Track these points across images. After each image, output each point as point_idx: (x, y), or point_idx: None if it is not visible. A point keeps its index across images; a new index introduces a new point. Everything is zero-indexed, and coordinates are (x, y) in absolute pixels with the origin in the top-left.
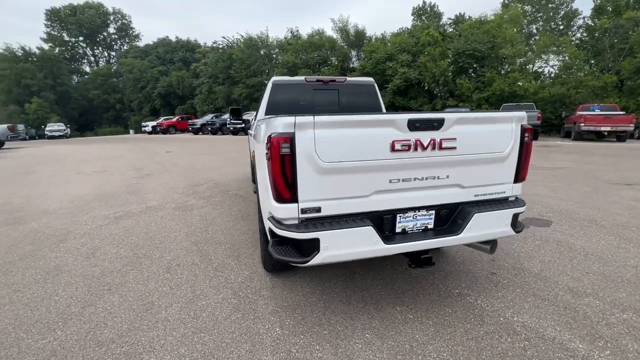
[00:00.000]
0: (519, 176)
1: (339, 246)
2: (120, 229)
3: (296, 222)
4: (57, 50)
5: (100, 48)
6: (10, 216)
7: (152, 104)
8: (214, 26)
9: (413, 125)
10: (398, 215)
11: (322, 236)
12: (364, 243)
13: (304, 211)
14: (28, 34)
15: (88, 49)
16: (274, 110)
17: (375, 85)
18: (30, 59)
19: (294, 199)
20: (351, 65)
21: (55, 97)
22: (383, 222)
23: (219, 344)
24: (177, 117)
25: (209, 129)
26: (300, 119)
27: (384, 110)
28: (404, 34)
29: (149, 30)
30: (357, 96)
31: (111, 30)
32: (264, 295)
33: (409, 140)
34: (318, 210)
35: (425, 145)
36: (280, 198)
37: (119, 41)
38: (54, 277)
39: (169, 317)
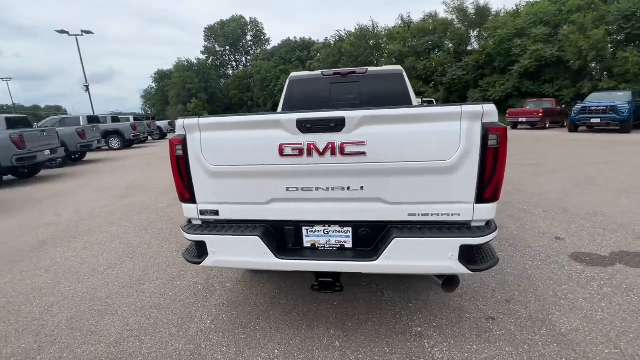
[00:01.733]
0: (484, 194)
1: (225, 252)
2: None
3: (199, 222)
4: (210, 59)
5: (239, 54)
6: (123, 192)
7: (274, 99)
8: (338, 22)
9: (303, 127)
10: (304, 228)
11: (208, 240)
12: (251, 253)
13: (202, 212)
14: (192, 46)
15: (232, 55)
16: (291, 107)
17: (404, 74)
18: (193, 68)
19: (192, 199)
20: (469, 48)
21: (207, 97)
22: (285, 234)
23: (157, 321)
24: None
25: None
26: (187, 121)
27: (413, 102)
28: (543, 2)
29: (279, 33)
30: (381, 87)
31: (248, 37)
32: (226, 286)
33: (300, 144)
34: (216, 213)
35: (321, 150)
36: (182, 198)
37: (253, 47)
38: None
39: (150, 289)
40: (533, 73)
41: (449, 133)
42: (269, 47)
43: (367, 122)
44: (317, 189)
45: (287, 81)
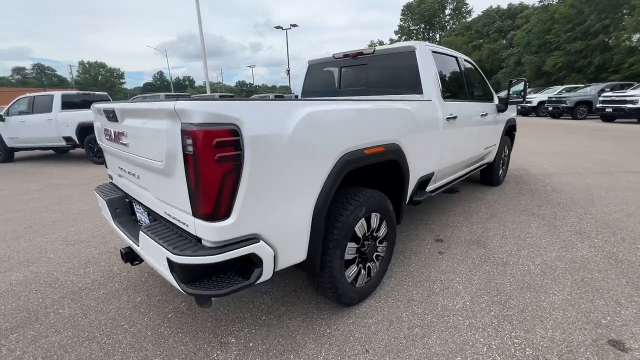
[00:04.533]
0: (197, 209)
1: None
2: None
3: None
4: (402, 38)
5: (433, 31)
6: None
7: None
8: None
9: (107, 115)
10: (133, 202)
11: (97, 191)
12: (106, 213)
13: (110, 177)
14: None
15: (425, 33)
16: (308, 93)
17: (417, 51)
18: None
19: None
20: None
21: None
22: (127, 206)
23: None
24: None
25: None
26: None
27: (422, 85)
28: None
29: (484, 1)
30: (389, 69)
31: (447, 11)
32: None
33: (109, 129)
34: (111, 177)
35: (113, 137)
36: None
37: (451, 21)
38: None
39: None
40: None
41: (157, 132)
42: (469, 19)
43: (125, 114)
44: (123, 169)
45: (307, 67)
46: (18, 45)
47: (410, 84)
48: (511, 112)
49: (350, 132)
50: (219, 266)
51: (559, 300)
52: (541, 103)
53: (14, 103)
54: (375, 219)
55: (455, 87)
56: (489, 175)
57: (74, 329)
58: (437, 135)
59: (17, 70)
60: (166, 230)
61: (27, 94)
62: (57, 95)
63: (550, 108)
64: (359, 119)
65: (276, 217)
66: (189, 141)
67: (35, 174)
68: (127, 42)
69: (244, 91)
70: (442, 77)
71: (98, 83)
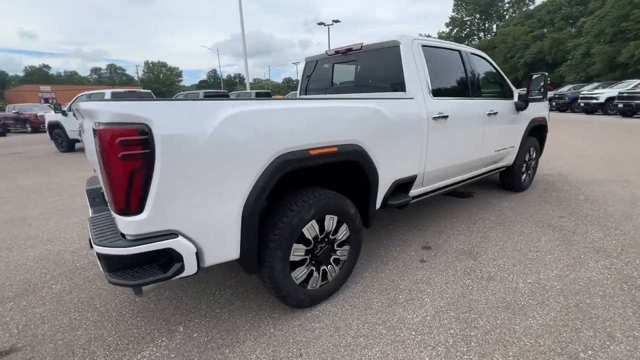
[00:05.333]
0: (113, 204)
1: None
2: None
3: None
4: (454, 31)
5: (490, 21)
6: None
7: (515, 74)
8: None
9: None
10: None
11: None
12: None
13: None
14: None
15: (481, 24)
16: (305, 91)
17: (401, 46)
18: None
19: None
20: None
21: None
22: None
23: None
24: None
25: (554, 103)
26: None
27: (406, 82)
28: None
29: None
30: (374, 65)
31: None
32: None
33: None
34: None
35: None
36: None
37: (510, 9)
38: None
39: None
40: None
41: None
42: (531, 7)
43: (82, 114)
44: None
45: (304, 64)
46: (99, 48)
47: (393, 80)
48: (538, 110)
49: (288, 132)
50: (140, 258)
51: (537, 325)
52: (610, 99)
53: (74, 100)
54: (331, 221)
55: (454, 84)
56: (509, 180)
57: (57, 303)
58: (419, 135)
59: (95, 70)
60: (106, 222)
61: (85, 92)
62: (108, 92)
63: (621, 105)
64: (302, 119)
65: (197, 215)
66: (97, 140)
67: (87, 163)
68: (187, 42)
69: (290, 87)
70: (435, 73)
71: (159, 81)
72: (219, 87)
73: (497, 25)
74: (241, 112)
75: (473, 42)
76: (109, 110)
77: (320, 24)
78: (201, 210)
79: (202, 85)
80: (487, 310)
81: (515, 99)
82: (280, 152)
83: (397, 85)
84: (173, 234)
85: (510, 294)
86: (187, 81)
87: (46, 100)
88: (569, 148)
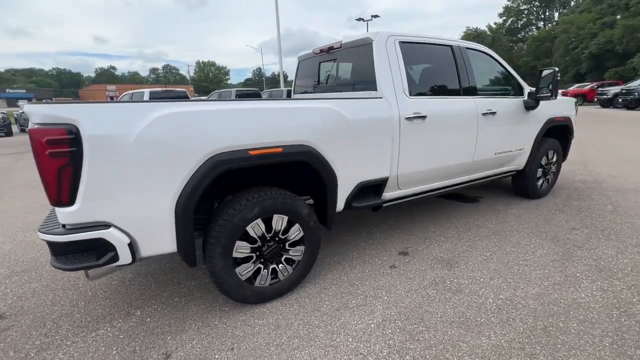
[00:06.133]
0: (48, 196)
1: None
2: None
3: None
4: (508, 22)
5: (551, 9)
6: None
7: (578, 67)
8: None
9: None
10: None
11: None
12: None
13: None
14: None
15: (540, 12)
16: (298, 90)
17: (374, 44)
18: (480, 37)
19: None
20: None
21: None
22: None
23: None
24: (591, 85)
25: (620, 100)
26: None
27: (377, 80)
28: None
29: None
30: (351, 64)
31: None
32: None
33: None
34: None
35: None
36: None
37: None
38: None
39: None
40: None
41: None
42: None
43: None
44: None
45: (297, 62)
46: (158, 50)
47: (366, 79)
48: (557, 109)
49: (221, 133)
50: (77, 246)
51: (488, 345)
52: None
53: (121, 98)
54: (280, 221)
55: (439, 82)
56: (521, 185)
57: (50, 280)
58: (387, 136)
59: (153, 70)
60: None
61: (129, 91)
62: (147, 92)
63: None
64: (238, 120)
65: (129, 209)
66: (29, 138)
67: None
68: (236, 42)
69: None
70: (416, 71)
71: (208, 79)
72: (261, 85)
73: (559, 14)
74: (170, 114)
75: (530, 33)
76: (39, 112)
77: (359, 19)
78: (133, 205)
79: (247, 82)
80: (439, 325)
81: (525, 97)
82: (213, 153)
83: (369, 84)
84: (105, 225)
85: (472, 309)
86: (234, 79)
87: (112, 98)
88: (619, 152)
